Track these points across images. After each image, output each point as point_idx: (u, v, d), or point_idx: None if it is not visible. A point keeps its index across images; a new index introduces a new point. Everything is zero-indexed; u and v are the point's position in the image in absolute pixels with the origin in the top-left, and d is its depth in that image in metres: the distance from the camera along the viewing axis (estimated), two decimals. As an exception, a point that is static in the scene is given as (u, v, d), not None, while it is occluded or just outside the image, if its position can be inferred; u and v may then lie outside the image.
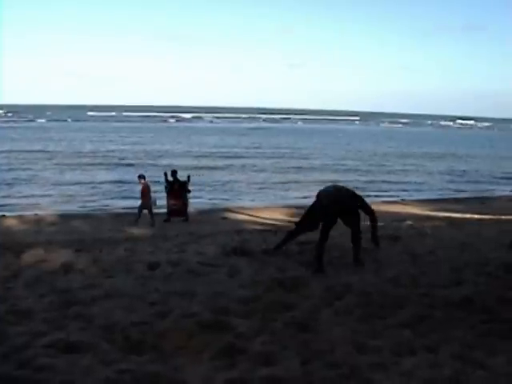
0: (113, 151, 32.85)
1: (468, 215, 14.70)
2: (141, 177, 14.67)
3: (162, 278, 7.58)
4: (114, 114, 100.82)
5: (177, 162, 25.73)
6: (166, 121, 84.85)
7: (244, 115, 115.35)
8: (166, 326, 5.69)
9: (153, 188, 14.88)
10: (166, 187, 15.38)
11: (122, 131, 53.30)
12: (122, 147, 35.01)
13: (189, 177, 15.30)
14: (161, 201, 14.94)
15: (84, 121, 77.35)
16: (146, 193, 14.36)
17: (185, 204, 15.08)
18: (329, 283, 7.39)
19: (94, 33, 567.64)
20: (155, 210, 14.35)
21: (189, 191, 15.32)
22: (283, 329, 5.69)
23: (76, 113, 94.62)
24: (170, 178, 15.28)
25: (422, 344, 5.45)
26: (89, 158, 28.81)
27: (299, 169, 26.19)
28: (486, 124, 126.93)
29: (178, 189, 15.21)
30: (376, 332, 5.76)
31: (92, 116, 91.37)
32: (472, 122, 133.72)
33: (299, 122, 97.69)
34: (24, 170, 25.06)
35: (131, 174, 22.26)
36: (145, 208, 14.20)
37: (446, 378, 4.74)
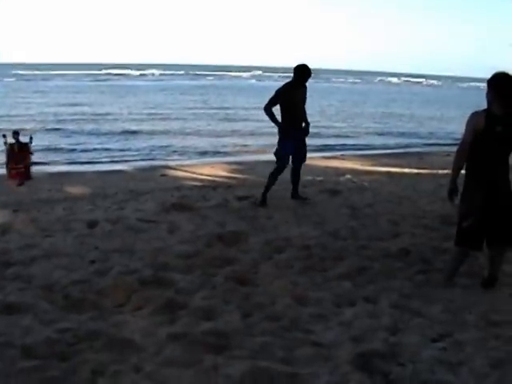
0: (39, 115, 30.87)
1: (406, 170, 14.91)
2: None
3: (101, 235, 7.47)
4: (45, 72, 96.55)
5: (116, 127, 24.98)
6: (107, 79, 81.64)
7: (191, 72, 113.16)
8: (106, 284, 5.62)
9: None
10: (6, 150, 14.38)
11: (55, 91, 51.25)
12: (53, 109, 33.22)
13: (31, 138, 14.63)
14: None
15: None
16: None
17: (26, 167, 14.26)
18: (268, 237, 7.42)
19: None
20: None
21: (31, 153, 14.52)
22: (223, 283, 5.70)
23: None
24: (12, 140, 14.43)
25: (362, 295, 5.54)
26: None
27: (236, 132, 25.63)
28: (435, 82, 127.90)
29: (18, 151, 14.31)
30: (316, 284, 5.83)
31: (21, 75, 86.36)
32: (422, 79, 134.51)
33: (253, 80, 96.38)
34: None
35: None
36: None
37: (385, 326, 4.84)
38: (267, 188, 9.36)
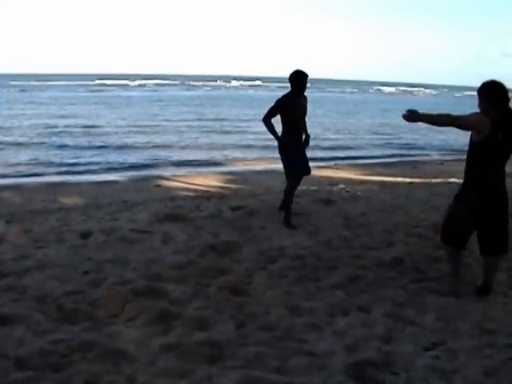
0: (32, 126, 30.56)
1: (400, 179, 14.93)
2: None
3: (95, 246, 7.46)
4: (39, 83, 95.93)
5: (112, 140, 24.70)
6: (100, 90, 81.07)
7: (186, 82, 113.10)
8: (100, 295, 5.60)
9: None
10: None
11: (49, 102, 51.05)
12: (47, 121, 32.91)
13: None
14: None
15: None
16: None
17: None
18: (262, 247, 7.43)
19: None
20: None
21: None
22: (217, 293, 5.70)
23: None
24: None
25: (355, 304, 5.56)
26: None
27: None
28: (432, 91, 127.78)
29: None
30: (310, 294, 5.84)
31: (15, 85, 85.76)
32: (419, 89, 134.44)
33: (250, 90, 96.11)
34: None
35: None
36: None
37: (379, 335, 4.87)
38: (288, 206, 8.91)
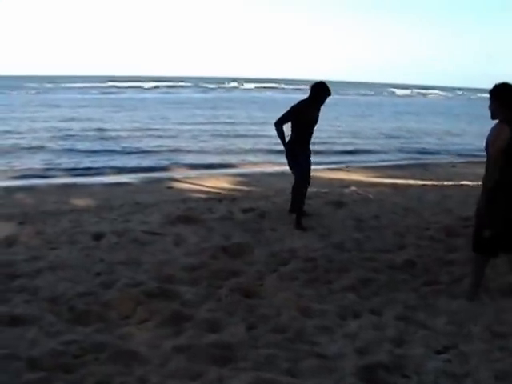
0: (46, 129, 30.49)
1: (411, 181, 14.89)
2: None
3: (107, 248, 7.49)
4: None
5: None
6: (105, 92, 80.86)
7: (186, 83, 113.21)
8: (112, 296, 5.62)
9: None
10: None
11: (63, 105, 51.14)
12: (63, 124, 32.88)
13: None
14: None
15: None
16: None
17: None
18: (273, 249, 7.44)
19: None
20: None
21: None
22: (229, 295, 5.71)
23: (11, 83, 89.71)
24: None
25: (367, 307, 5.56)
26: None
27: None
28: (445, 93, 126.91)
29: None
30: (321, 296, 5.84)
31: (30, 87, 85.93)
32: (434, 91, 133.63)
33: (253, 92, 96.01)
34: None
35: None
36: None
37: (390, 338, 4.86)
38: (300, 208, 8.92)
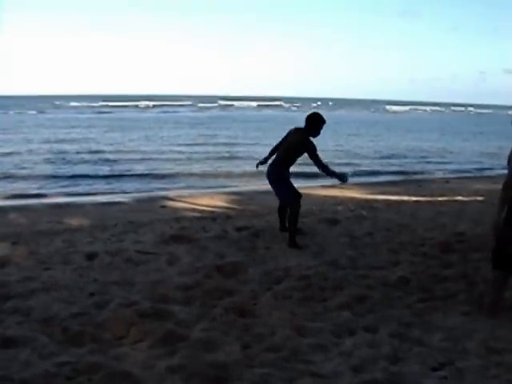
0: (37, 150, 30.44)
1: (405, 197, 14.92)
2: None
3: (101, 268, 7.46)
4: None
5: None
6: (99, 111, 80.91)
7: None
8: (106, 317, 5.57)
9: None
10: None
11: (53, 125, 50.96)
12: (55, 145, 32.62)
13: None
14: None
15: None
16: None
17: None
18: (267, 268, 7.42)
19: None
20: None
21: None
22: (223, 315, 5.68)
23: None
24: None
25: (361, 324, 5.53)
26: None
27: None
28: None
29: None
30: (316, 314, 5.82)
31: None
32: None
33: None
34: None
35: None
36: None
37: (385, 355, 4.83)
38: (293, 231, 8.85)
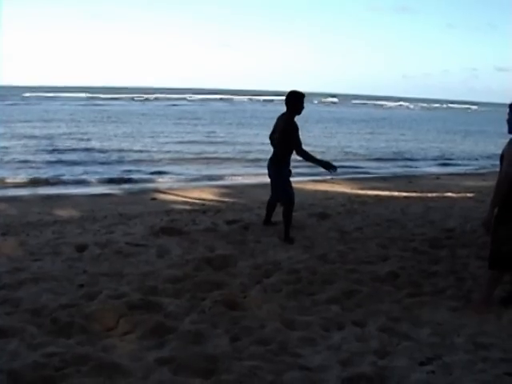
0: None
1: (395, 193, 14.95)
2: None
3: (90, 259, 7.45)
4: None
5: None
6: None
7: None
8: (95, 308, 5.56)
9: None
10: None
11: (49, 116, 51.01)
12: (46, 134, 32.69)
13: None
14: None
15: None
16: None
17: None
18: (257, 261, 7.43)
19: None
20: None
21: None
22: (212, 307, 5.69)
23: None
24: None
25: (350, 318, 5.55)
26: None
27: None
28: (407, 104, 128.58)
29: None
30: (305, 308, 5.84)
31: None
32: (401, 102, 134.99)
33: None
34: None
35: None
36: None
37: (373, 350, 4.86)
38: (288, 226, 8.73)
